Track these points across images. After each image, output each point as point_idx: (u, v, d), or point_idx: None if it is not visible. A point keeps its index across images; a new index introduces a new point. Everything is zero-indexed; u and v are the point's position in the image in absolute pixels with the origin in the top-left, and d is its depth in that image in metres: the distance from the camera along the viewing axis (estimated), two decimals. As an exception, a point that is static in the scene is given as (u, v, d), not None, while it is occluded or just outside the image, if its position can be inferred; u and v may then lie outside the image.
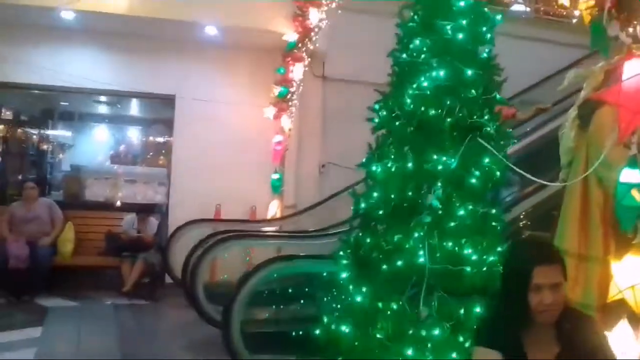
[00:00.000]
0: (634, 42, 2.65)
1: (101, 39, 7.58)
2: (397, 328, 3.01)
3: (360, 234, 3.40)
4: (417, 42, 3.21)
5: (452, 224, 3.06)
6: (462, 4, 3.18)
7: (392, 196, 3.19)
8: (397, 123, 3.23)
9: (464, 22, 3.15)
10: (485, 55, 3.23)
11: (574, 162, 3.32)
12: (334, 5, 6.53)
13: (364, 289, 3.20)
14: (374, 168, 3.32)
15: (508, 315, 2.14)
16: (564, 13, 8.24)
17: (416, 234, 3.08)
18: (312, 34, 6.82)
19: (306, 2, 6.61)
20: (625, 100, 2.56)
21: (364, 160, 3.44)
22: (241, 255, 7.13)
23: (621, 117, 2.61)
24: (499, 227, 3.17)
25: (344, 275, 3.38)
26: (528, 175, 3.09)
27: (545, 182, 3.32)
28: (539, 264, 2.04)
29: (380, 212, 3.25)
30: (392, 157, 3.23)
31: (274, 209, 7.66)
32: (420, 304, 3.02)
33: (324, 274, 4.07)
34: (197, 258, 5.30)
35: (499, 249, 3.09)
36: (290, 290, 4.78)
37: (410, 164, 3.14)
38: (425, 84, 3.11)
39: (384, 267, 3.11)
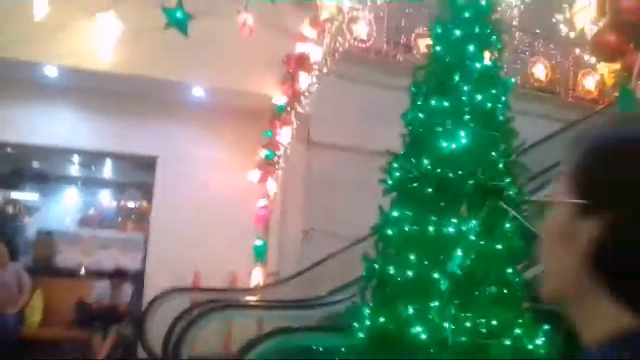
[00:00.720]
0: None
1: (83, 97, 7.35)
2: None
3: (373, 304, 3.19)
4: (433, 102, 3.13)
5: (476, 292, 2.89)
6: (478, 65, 3.14)
7: (409, 261, 3.00)
8: (414, 185, 3.08)
9: (484, 84, 3.09)
10: (502, 118, 3.17)
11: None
12: (324, 70, 6.53)
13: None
14: (389, 232, 3.14)
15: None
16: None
17: (436, 303, 2.89)
18: (302, 97, 6.77)
19: (296, 65, 6.58)
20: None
21: (377, 223, 3.27)
22: (220, 327, 6.74)
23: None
24: (521, 297, 3.00)
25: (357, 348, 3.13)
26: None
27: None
28: None
29: (397, 279, 3.05)
30: (409, 220, 3.07)
31: (257, 277, 7.32)
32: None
33: (328, 347, 3.78)
34: (181, 330, 4.92)
35: (524, 321, 2.91)
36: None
37: (430, 228, 2.98)
38: (444, 145, 2.99)
39: (403, 340, 2.89)
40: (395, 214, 3.15)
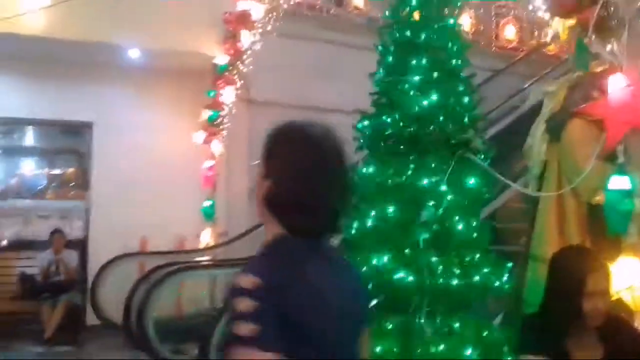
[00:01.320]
0: (613, 58, 2.86)
1: (12, 63, 6.94)
2: (404, 348, 2.99)
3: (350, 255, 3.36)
4: (402, 61, 3.26)
5: (447, 238, 3.12)
6: (442, 24, 3.29)
7: (386, 213, 3.18)
8: (387, 141, 3.23)
9: (448, 41, 3.25)
10: (463, 73, 3.35)
11: (547, 174, 3.52)
12: (267, 28, 6.49)
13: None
14: (361, 185, 3.29)
15: (556, 320, 2.19)
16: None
17: (412, 251, 3.10)
18: (244, 56, 6.72)
19: (238, 24, 6.49)
20: (612, 112, 2.74)
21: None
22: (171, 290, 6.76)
23: (608, 129, 2.79)
24: (488, 239, 3.27)
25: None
26: (514, 185, 3.22)
27: (527, 191, 3.46)
28: (591, 272, 2.10)
29: (374, 230, 3.23)
30: (384, 175, 3.22)
31: (207, 237, 7.36)
32: (423, 322, 3.03)
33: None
34: (145, 293, 4.94)
35: (490, 261, 3.19)
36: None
37: (404, 181, 3.16)
38: (416, 102, 3.15)
39: (383, 286, 3.08)
40: (369, 169, 3.30)
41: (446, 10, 3.37)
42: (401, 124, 3.19)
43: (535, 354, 2.19)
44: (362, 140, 3.40)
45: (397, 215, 3.15)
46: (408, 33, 3.30)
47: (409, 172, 3.15)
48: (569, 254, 2.38)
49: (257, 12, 6.30)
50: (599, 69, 3.02)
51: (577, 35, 2.91)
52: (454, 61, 3.27)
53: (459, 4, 3.44)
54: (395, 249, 3.14)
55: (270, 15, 6.40)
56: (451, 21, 3.34)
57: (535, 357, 2.18)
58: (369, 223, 3.23)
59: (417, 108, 3.17)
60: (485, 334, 3.09)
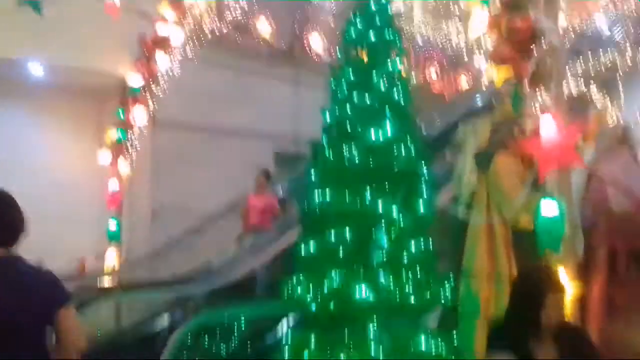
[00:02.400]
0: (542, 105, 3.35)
1: None
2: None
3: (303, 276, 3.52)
4: (355, 99, 3.53)
5: (399, 259, 3.40)
6: (390, 67, 3.62)
7: (343, 237, 3.40)
8: (345, 173, 3.46)
9: (394, 81, 3.58)
10: (409, 110, 3.70)
11: (475, 201, 3.97)
12: (189, 55, 6.50)
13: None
14: (319, 213, 3.49)
15: (520, 328, 2.56)
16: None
17: (366, 272, 3.35)
18: (159, 79, 6.64)
19: (154, 47, 6.42)
20: (543, 150, 3.20)
21: (305, 206, 3.60)
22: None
23: (540, 163, 3.25)
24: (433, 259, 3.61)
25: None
26: (460, 213, 3.61)
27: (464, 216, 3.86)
28: (550, 292, 2.51)
29: (329, 253, 3.43)
30: (341, 203, 3.45)
31: (111, 259, 7.05)
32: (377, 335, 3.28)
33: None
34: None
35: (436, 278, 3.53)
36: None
37: (359, 209, 3.40)
38: (371, 136, 3.42)
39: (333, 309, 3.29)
40: (324, 196, 3.50)
41: (393, 54, 3.73)
42: (355, 154, 3.45)
43: (502, 354, 2.55)
44: (318, 169, 3.61)
45: (354, 240, 3.39)
46: (359, 72, 3.59)
47: (365, 199, 3.41)
48: (530, 273, 2.77)
49: (177, 38, 6.28)
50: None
51: (512, 84, 3.37)
52: (402, 99, 3.60)
53: (402, 50, 3.80)
54: (351, 269, 3.37)
55: (189, 42, 6.40)
56: (398, 64, 3.68)
57: (503, 353, 2.54)
58: (326, 247, 3.43)
59: (369, 140, 3.45)
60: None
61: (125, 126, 6.87)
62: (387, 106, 3.51)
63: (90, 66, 6.69)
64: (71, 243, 7.12)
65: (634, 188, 3.19)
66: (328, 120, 3.67)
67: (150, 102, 6.79)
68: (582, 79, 4.73)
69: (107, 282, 6.85)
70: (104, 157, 7.01)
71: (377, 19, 3.69)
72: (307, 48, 10.90)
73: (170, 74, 6.83)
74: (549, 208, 3.23)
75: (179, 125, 8.21)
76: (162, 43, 6.37)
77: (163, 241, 7.70)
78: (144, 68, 6.58)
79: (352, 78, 3.59)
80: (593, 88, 5.10)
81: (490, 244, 3.83)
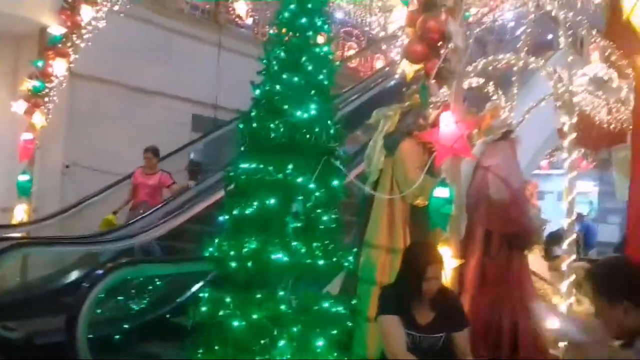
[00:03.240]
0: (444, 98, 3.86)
1: None
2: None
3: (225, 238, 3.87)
4: (285, 77, 3.86)
5: (312, 228, 3.83)
6: (318, 49, 3.97)
7: (263, 204, 3.77)
8: (269, 144, 3.80)
9: (322, 64, 3.94)
10: (331, 92, 4.09)
11: (382, 179, 4.46)
12: (116, 7, 6.46)
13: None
14: (242, 178, 3.83)
15: (405, 294, 3.07)
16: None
17: (282, 237, 3.75)
18: (83, 31, 6.57)
19: (79, -3, 6.35)
20: (441, 140, 3.72)
21: (229, 170, 3.92)
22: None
23: (437, 152, 3.77)
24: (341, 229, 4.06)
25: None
26: (371, 191, 4.08)
27: (374, 192, 4.33)
28: (430, 263, 3.03)
29: (249, 218, 3.79)
30: (263, 171, 3.80)
31: (20, 213, 6.98)
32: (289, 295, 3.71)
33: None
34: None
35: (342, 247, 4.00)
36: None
37: (280, 178, 3.77)
38: (297, 113, 3.78)
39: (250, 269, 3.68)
40: (251, 165, 3.84)
41: (320, 36, 4.07)
42: (281, 129, 3.80)
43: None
44: (243, 139, 3.92)
45: (273, 207, 3.76)
46: (290, 53, 3.92)
47: (286, 171, 3.78)
48: (416, 248, 3.29)
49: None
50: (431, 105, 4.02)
51: (421, 79, 3.85)
52: (326, 81, 3.98)
53: (330, 33, 4.16)
54: (270, 234, 3.75)
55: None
56: (324, 47, 4.04)
57: (390, 316, 3.05)
58: (248, 211, 3.79)
59: (295, 118, 3.81)
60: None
61: (43, 76, 6.74)
62: (312, 87, 3.88)
63: (9, 12, 6.48)
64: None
65: (510, 180, 3.78)
66: (258, 94, 3.99)
67: (70, 53, 6.69)
68: (482, 76, 5.30)
69: (14, 235, 6.77)
70: (19, 106, 6.86)
71: (310, 3, 4.02)
72: (231, 13, 10.99)
73: (94, 25, 6.75)
74: (441, 191, 3.76)
75: (98, 79, 8.14)
76: (88, -5, 6.30)
77: (74, 198, 7.68)
78: (68, 18, 6.48)
79: (283, 57, 3.91)
80: (491, 84, 5.71)
81: (390, 218, 4.34)
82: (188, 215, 6.88)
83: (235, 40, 10.56)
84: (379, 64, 12.13)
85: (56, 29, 6.63)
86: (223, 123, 9.77)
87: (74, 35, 6.59)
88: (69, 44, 6.62)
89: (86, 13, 6.45)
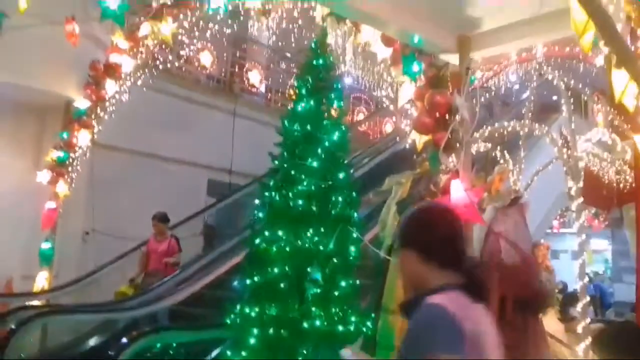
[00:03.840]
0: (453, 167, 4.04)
1: None
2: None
3: (244, 306, 3.98)
4: (300, 148, 4.08)
5: (330, 293, 3.95)
6: (332, 121, 4.21)
7: (283, 272, 3.90)
8: (288, 212, 3.98)
9: (336, 136, 4.17)
10: (346, 162, 4.30)
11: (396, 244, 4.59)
12: (139, 82, 6.82)
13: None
14: (263, 246, 3.99)
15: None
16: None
17: (301, 303, 3.87)
18: (106, 104, 6.92)
19: (105, 72, 6.72)
20: (453, 206, 3.87)
21: (251, 239, 4.08)
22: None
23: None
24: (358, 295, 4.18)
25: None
26: (380, 254, 4.20)
27: (386, 256, 4.45)
28: None
29: (272, 285, 3.92)
30: (283, 239, 3.96)
31: (42, 280, 7.11)
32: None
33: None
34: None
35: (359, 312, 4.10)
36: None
37: (299, 246, 3.93)
38: (312, 182, 3.98)
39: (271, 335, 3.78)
40: (269, 233, 4.00)
41: (334, 110, 4.33)
42: (300, 198, 3.98)
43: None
44: (263, 207, 4.11)
45: (293, 274, 3.90)
46: (306, 126, 4.15)
47: (305, 239, 3.94)
48: None
49: (128, 65, 6.62)
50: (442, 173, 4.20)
51: (431, 148, 4.05)
52: (340, 152, 4.20)
53: (342, 106, 4.41)
54: (290, 301, 3.87)
55: (139, 70, 6.74)
56: (339, 120, 4.28)
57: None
58: (268, 278, 3.92)
59: (313, 187, 4.00)
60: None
61: (68, 147, 7.04)
62: (328, 157, 4.09)
63: (37, 86, 6.86)
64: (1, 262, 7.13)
65: (521, 245, 3.90)
66: (276, 164, 4.21)
67: (94, 125, 7.02)
68: (488, 141, 5.50)
69: (35, 303, 6.90)
70: (43, 176, 7.12)
71: (323, 75, 4.28)
72: (245, 82, 11.46)
73: (117, 98, 7.10)
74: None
75: (118, 149, 8.46)
76: (113, 70, 6.66)
77: (93, 264, 7.85)
78: (93, 92, 6.83)
79: (299, 129, 4.15)
80: (498, 148, 5.90)
81: (405, 282, 4.44)
82: (205, 281, 7.00)
83: (248, 108, 10.97)
84: (388, 127, 12.49)
85: (81, 103, 6.97)
86: (237, 187, 10.02)
87: (98, 108, 6.92)
88: (93, 116, 6.95)
89: (110, 87, 6.80)
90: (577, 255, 4.55)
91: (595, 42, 2.04)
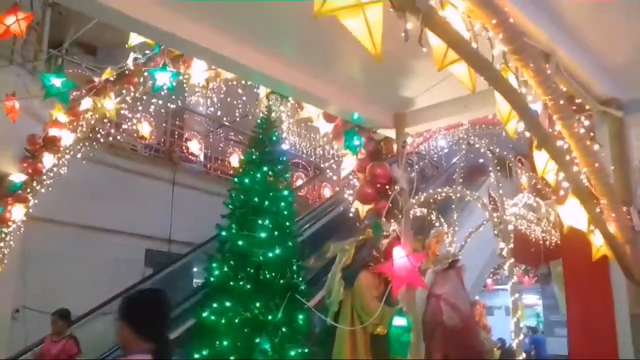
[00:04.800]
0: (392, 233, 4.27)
1: None
2: None
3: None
4: (250, 220, 4.19)
5: (281, 362, 3.98)
6: (279, 193, 4.37)
7: (230, 346, 3.92)
8: (237, 283, 4.04)
9: (284, 207, 4.32)
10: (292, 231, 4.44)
11: (342, 309, 4.71)
12: (79, 155, 6.78)
13: None
14: (212, 318, 4.00)
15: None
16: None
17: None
18: (43, 177, 6.81)
19: (43, 146, 6.66)
20: (395, 273, 4.07)
21: (199, 312, 4.08)
22: None
23: (393, 283, 4.10)
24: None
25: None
26: (329, 321, 4.31)
27: (335, 324, 4.55)
28: None
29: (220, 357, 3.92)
30: (231, 311, 3.99)
31: (-32, 363, 6.68)
32: None
33: None
34: None
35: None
36: None
37: (248, 317, 3.97)
38: (261, 253, 4.07)
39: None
40: (217, 305, 4.03)
41: (280, 182, 4.49)
42: (248, 270, 4.06)
43: None
44: (212, 280, 4.15)
45: (243, 345, 3.92)
46: (253, 198, 4.29)
47: (254, 309, 3.99)
48: None
49: (67, 139, 6.60)
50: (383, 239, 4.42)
51: (373, 216, 4.28)
52: (287, 223, 4.34)
53: (287, 177, 4.59)
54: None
55: (79, 142, 6.72)
56: (285, 192, 4.45)
57: None
58: (218, 351, 3.92)
59: (261, 258, 4.10)
60: None
61: (1, 222, 6.81)
62: (276, 228, 4.22)
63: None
64: None
65: (460, 306, 4.12)
66: (223, 236, 4.28)
67: (30, 199, 6.86)
68: (424, 206, 5.80)
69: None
70: (-27, 253, 6.83)
71: (269, 148, 4.46)
72: (185, 151, 11.53)
73: (55, 171, 7.00)
74: (399, 320, 4.05)
75: (55, 222, 8.25)
76: (52, 143, 6.61)
77: (22, 342, 7.48)
78: (29, 166, 6.72)
79: (246, 201, 4.27)
80: (433, 213, 6.23)
81: (353, 348, 4.55)
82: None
83: (188, 176, 10.99)
84: (326, 191, 12.78)
85: (17, 176, 6.82)
86: (177, 257, 9.88)
87: (34, 182, 6.79)
88: (28, 190, 6.80)
89: (48, 161, 6.72)
90: (512, 313, 4.80)
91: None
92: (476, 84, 2.12)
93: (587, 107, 2.98)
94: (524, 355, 4.57)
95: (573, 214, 2.67)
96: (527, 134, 2.56)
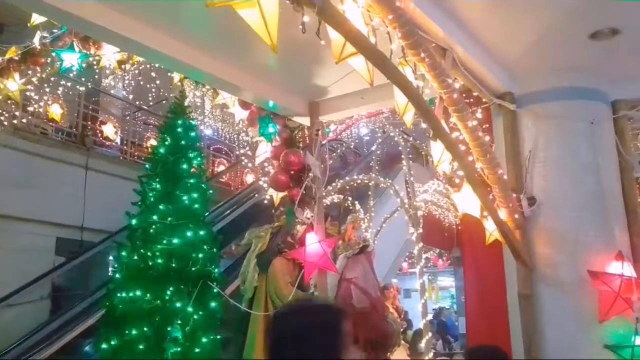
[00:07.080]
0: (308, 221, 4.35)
1: None
2: None
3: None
4: (161, 207, 4.13)
5: (197, 350, 3.98)
6: (192, 181, 4.33)
7: (142, 333, 3.88)
8: (147, 272, 3.98)
9: (195, 194, 4.28)
10: (205, 218, 4.41)
11: (257, 295, 4.75)
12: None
13: None
14: (121, 306, 3.93)
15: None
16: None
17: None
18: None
19: None
20: (307, 258, 4.15)
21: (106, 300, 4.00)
22: None
23: (305, 268, 4.19)
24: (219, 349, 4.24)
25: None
26: (243, 308, 4.33)
27: (249, 311, 4.57)
28: None
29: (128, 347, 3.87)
30: (141, 299, 3.94)
31: None
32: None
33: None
34: None
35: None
36: None
37: (158, 305, 3.93)
38: (173, 240, 4.03)
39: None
40: (126, 293, 3.96)
41: (194, 167, 4.44)
42: (159, 257, 4.01)
43: None
44: (120, 268, 4.06)
45: (152, 334, 3.88)
46: (165, 185, 4.22)
47: (165, 297, 3.95)
48: None
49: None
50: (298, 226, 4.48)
51: (287, 203, 4.33)
52: (198, 208, 4.31)
53: (202, 164, 4.55)
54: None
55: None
56: (197, 178, 4.40)
57: None
58: (127, 340, 3.86)
59: (172, 246, 4.06)
60: None
61: None
62: (188, 215, 4.18)
63: None
64: None
65: (369, 289, 4.27)
66: (134, 223, 4.19)
67: None
68: (341, 192, 5.92)
69: None
70: None
71: (182, 134, 4.40)
72: (99, 135, 11.09)
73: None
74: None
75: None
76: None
77: None
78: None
79: (158, 189, 4.20)
80: (349, 199, 6.37)
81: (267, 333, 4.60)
82: (54, 348, 6.54)
83: (102, 161, 10.58)
84: (249, 178, 12.69)
85: None
86: (90, 245, 9.54)
87: None
88: None
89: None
90: (420, 295, 5.03)
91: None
92: (374, 77, 2.19)
93: (484, 100, 3.15)
94: (430, 334, 4.81)
95: (467, 202, 2.83)
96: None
